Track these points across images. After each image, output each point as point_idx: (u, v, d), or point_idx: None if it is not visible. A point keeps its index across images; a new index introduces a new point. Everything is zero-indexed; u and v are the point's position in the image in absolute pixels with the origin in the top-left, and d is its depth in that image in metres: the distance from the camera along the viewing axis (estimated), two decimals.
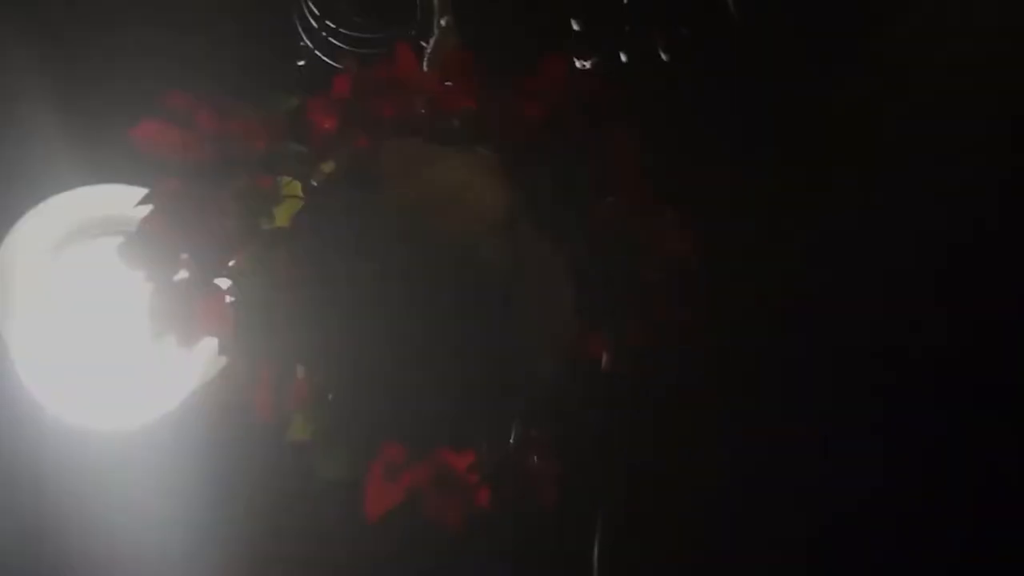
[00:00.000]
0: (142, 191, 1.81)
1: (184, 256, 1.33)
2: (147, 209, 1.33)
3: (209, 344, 1.37)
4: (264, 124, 1.34)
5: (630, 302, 1.37)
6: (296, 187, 1.36)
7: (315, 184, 1.33)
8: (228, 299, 1.34)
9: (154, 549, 1.77)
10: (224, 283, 1.34)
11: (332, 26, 1.81)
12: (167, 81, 1.85)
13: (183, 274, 1.33)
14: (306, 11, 1.82)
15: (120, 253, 1.32)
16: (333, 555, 1.77)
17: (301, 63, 1.82)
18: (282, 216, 1.37)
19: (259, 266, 1.34)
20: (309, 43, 1.82)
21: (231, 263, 1.34)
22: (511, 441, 1.41)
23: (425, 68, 1.52)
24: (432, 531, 1.40)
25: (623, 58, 1.75)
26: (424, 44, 1.80)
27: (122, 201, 1.78)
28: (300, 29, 1.82)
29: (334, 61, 1.81)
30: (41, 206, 1.73)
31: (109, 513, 1.76)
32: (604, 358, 1.39)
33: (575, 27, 1.76)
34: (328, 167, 1.33)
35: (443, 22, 1.62)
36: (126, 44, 1.88)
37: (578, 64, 1.73)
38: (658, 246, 1.32)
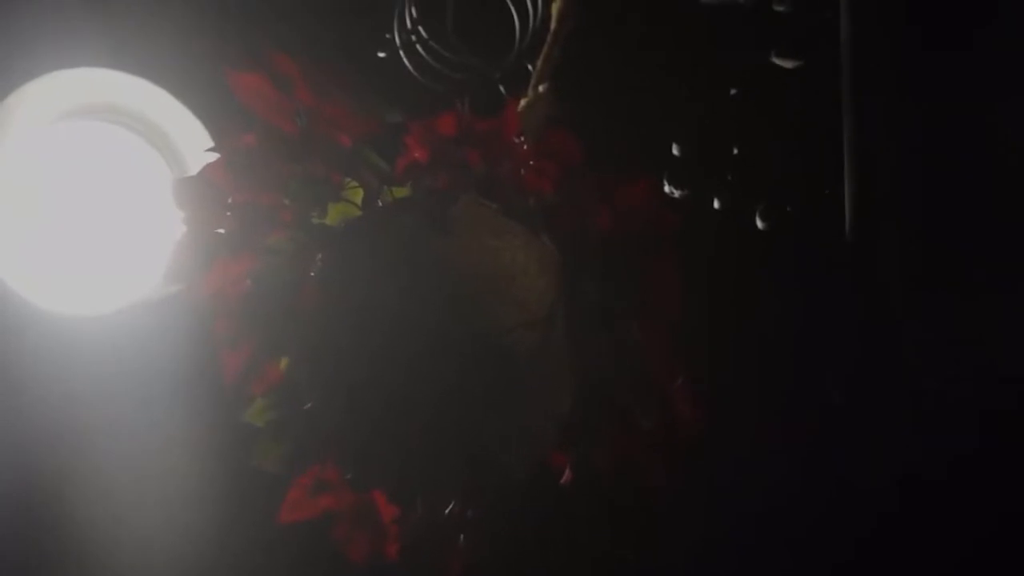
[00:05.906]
0: (143, 82, 1.79)
1: (228, 214, 1.31)
2: (213, 156, 1.31)
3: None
4: (357, 121, 1.33)
5: (612, 434, 1.37)
6: (358, 194, 1.35)
7: (381, 204, 1.32)
8: (249, 269, 1.33)
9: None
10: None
11: (424, 35, 1.80)
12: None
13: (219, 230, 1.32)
14: (407, 11, 1.80)
15: (172, 191, 1.30)
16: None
17: (381, 55, 1.80)
18: (332, 215, 1.36)
19: (293, 252, 1.33)
20: (396, 40, 1.80)
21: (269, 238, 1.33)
22: (445, 512, 1.40)
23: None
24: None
25: (716, 204, 1.73)
26: (503, 90, 1.80)
27: (120, 90, 1.75)
28: (395, 25, 1.80)
29: (412, 67, 1.79)
30: (36, 82, 1.68)
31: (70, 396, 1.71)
32: (566, 473, 1.40)
33: (675, 151, 1.76)
34: (401, 192, 1.32)
35: (540, 88, 1.61)
36: None
37: (667, 189, 1.71)
38: (664, 401, 1.33)
